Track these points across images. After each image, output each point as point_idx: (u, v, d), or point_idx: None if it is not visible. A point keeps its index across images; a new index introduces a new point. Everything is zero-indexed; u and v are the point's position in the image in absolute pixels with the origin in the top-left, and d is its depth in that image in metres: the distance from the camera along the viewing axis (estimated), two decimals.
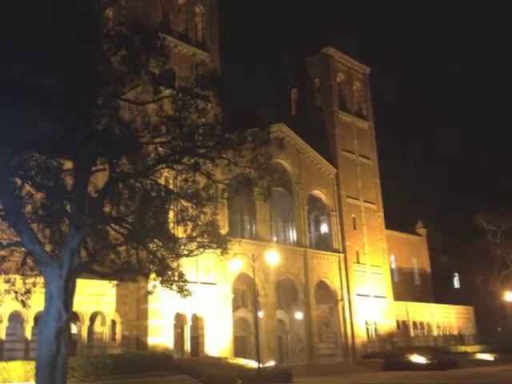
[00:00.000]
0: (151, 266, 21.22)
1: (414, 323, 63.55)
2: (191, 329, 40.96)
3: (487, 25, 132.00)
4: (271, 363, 42.56)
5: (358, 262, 57.34)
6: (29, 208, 18.99)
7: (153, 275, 21.29)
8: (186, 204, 21.43)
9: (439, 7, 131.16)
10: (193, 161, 20.21)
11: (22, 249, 19.18)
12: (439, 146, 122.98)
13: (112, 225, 20.82)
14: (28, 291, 19.59)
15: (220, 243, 22.00)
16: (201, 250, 21.85)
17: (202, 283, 41.17)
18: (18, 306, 23.08)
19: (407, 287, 71.22)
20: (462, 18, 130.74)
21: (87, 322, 35.25)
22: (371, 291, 57.42)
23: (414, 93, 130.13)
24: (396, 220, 68.26)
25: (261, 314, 46.77)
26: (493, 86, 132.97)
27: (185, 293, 20.76)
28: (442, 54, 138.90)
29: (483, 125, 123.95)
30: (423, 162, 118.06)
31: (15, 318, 32.98)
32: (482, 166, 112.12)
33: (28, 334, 32.51)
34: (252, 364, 38.55)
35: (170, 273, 20.73)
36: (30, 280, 19.82)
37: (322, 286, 53.96)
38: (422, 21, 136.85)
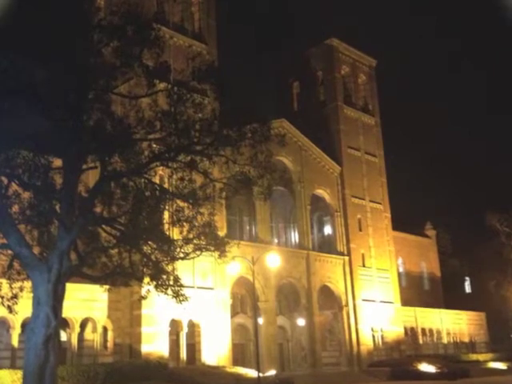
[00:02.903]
0: (145, 270, 21.28)
1: (423, 330, 63.54)
2: (187, 336, 40.99)
3: (487, 24, 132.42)
4: (272, 372, 42.54)
5: (364, 266, 57.32)
6: (16, 208, 19.04)
7: (147, 279, 21.35)
8: (181, 204, 21.48)
9: (439, 7, 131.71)
10: (189, 158, 20.27)
11: (9, 251, 19.26)
12: (445, 145, 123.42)
13: (104, 226, 20.87)
14: (15, 296, 19.67)
15: (218, 245, 22.07)
16: (197, 252, 21.93)
17: (198, 288, 41.20)
18: (4, 312, 23.08)
19: (416, 292, 71.22)
20: (462, 17, 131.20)
21: (77, 329, 35.26)
22: (377, 296, 57.42)
23: (413, 92, 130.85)
24: (404, 221, 68.17)
25: (261, 321, 46.79)
26: (493, 85, 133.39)
27: (180, 298, 20.82)
28: (441, 53, 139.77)
29: (484, 125, 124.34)
30: (431, 160, 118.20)
31: (1, 325, 33.04)
32: (487, 165, 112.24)
33: (15, 341, 32.51)
34: (251, 373, 38.58)
35: (164, 277, 20.79)
36: (17, 284, 19.89)
37: (326, 291, 53.97)
38: (421, 20, 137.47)
